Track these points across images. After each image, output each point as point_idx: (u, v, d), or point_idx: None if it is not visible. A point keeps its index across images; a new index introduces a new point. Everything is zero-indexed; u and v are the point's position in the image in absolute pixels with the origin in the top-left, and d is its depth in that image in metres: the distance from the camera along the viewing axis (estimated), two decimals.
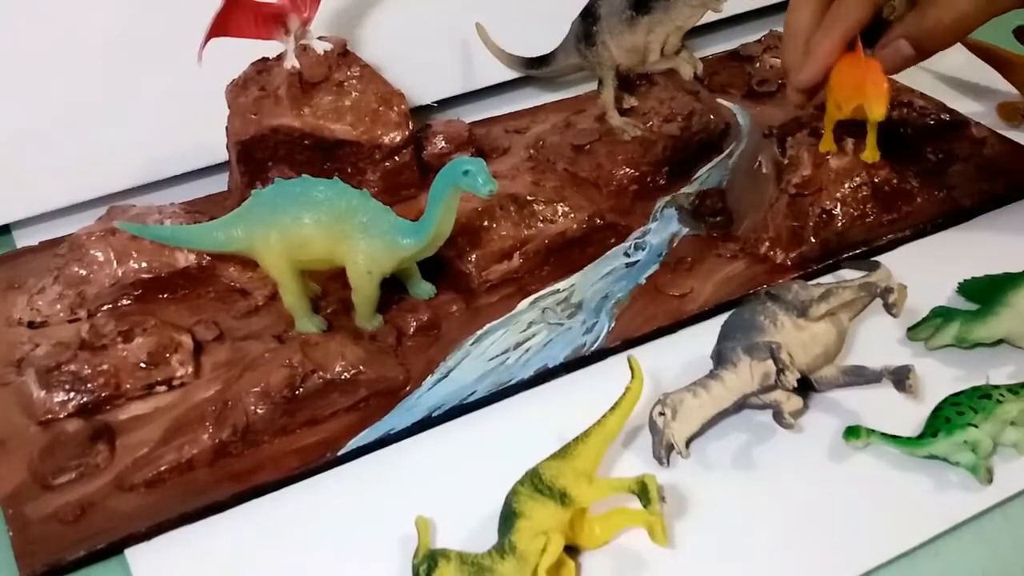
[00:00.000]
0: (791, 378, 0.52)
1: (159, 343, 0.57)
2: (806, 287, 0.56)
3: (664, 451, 0.52)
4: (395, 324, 0.60)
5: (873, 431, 0.52)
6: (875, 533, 0.49)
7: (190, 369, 0.58)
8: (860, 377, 0.55)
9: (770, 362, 0.52)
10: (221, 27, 0.62)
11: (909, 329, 0.59)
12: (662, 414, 0.52)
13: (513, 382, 0.57)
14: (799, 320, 0.54)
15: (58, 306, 0.61)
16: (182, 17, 0.64)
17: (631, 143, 0.73)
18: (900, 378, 0.53)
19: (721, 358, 0.54)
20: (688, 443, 0.52)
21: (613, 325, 0.61)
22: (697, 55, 0.71)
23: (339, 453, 0.53)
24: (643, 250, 0.67)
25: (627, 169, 0.72)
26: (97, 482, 0.52)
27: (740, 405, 0.54)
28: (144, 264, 0.62)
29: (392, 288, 0.61)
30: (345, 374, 0.55)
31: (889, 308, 0.56)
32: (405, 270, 0.61)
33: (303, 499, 0.52)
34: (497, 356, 0.59)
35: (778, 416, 0.53)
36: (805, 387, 0.55)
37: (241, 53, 0.67)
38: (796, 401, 0.53)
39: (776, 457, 0.53)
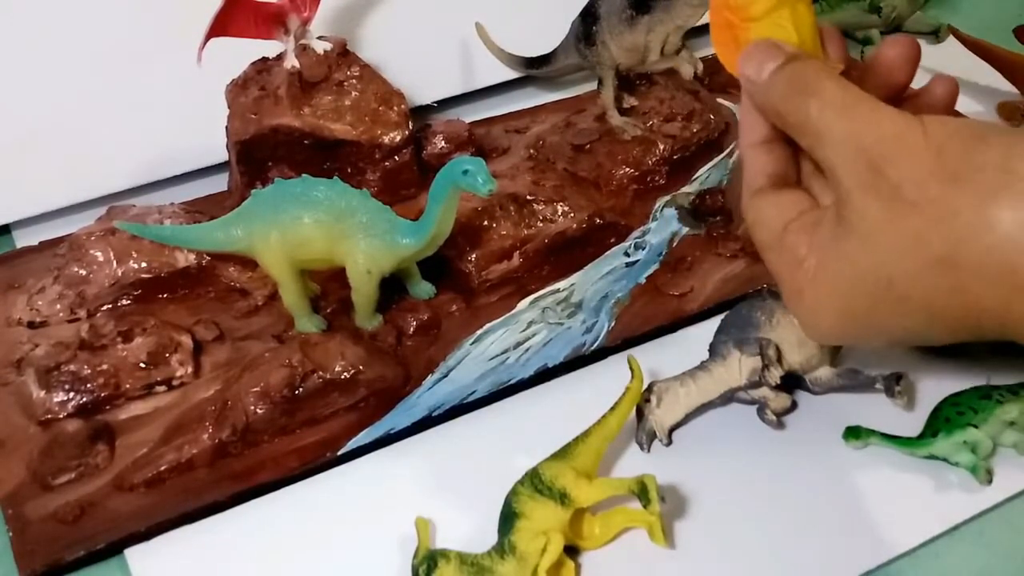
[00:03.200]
0: (775, 374, 0.52)
1: (159, 343, 0.57)
2: None
3: (646, 437, 0.53)
4: (395, 324, 0.60)
5: (873, 431, 0.52)
6: (875, 533, 0.49)
7: (190, 369, 0.58)
8: (854, 381, 0.55)
9: (759, 358, 0.52)
10: (221, 27, 0.62)
11: None
12: (648, 400, 0.52)
13: (513, 382, 0.57)
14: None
15: (58, 306, 0.61)
16: (182, 17, 0.63)
17: (631, 143, 0.73)
18: (891, 384, 0.53)
19: (713, 351, 0.55)
20: (671, 431, 0.53)
21: (613, 324, 0.61)
22: (697, 55, 0.71)
23: (339, 453, 0.53)
24: (643, 249, 0.67)
25: (627, 169, 0.72)
26: (97, 482, 0.52)
27: (728, 398, 0.54)
28: (144, 264, 0.62)
29: (392, 288, 0.61)
30: (345, 374, 0.55)
31: None
32: (405, 270, 0.61)
33: (303, 499, 0.52)
34: (497, 356, 0.59)
35: (761, 412, 0.53)
36: (800, 389, 0.55)
37: (241, 53, 0.67)
38: (783, 399, 0.54)
39: (776, 457, 0.53)
